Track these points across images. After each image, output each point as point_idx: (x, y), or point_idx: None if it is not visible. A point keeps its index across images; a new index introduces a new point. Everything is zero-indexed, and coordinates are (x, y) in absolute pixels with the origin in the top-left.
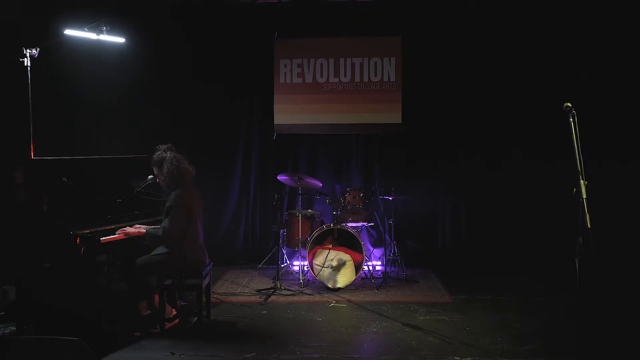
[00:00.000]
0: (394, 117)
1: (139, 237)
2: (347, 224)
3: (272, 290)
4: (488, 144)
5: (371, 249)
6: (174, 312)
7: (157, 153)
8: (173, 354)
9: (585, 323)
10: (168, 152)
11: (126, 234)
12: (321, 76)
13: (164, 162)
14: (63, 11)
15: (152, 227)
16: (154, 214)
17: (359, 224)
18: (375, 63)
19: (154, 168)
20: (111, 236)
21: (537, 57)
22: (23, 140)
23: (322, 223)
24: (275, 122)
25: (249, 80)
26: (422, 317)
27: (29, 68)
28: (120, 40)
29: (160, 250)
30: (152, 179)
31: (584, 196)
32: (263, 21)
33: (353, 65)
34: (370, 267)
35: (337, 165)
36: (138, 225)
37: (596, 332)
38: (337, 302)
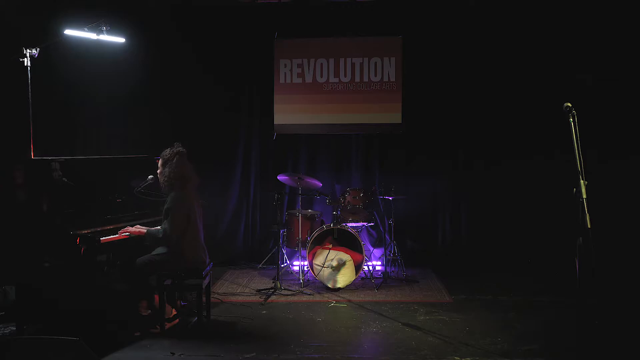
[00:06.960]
0: (394, 117)
1: (139, 236)
2: (347, 224)
3: (272, 290)
4: (488, 144)
5: (371, 249)
6: (174, 312)
7: (169, 150)
8: (173, 354)
9: (585, 323)
10: (176, 157)
11: (127, 232)
12: (321, 76)
13: (167, 163)
14: (63, 11)
15: (153, 227)
16: (154, 214)
17: (359, 224)
18: (375, 63)
19: (159, 162)
20: (111, 236)
21: (537, 57)
22: (23, 140)
23: (322, 223)
24: (275, 122)
25: (249, 81)
26: (422, 317)
27: (29, 68)
28: (120, 40)
29: (160, 250)
30: (152, 179)
31: (584, 196)
32: (263, 21)
33: (353, 65)
34: (370, 267)
35: (337, 165)
36: (139, 226)
37: (596, 332)
38: (337, 302)
